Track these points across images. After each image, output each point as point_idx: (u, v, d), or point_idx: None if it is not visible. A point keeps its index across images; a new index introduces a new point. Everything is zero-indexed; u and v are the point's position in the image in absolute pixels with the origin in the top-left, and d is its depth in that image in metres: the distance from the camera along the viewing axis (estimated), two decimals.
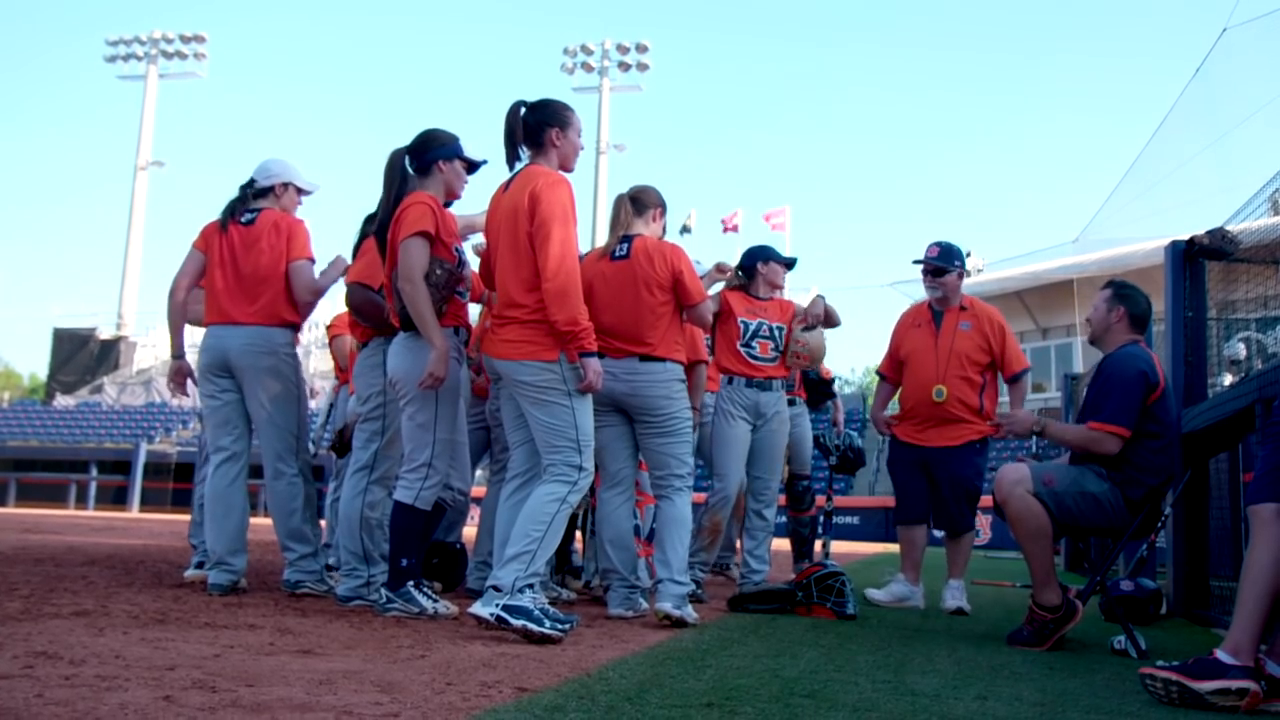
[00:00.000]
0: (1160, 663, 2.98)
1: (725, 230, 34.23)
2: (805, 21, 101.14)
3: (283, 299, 4.79)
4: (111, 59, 44.68)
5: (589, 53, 43.30)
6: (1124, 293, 4.44)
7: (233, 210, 4.91)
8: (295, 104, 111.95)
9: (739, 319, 5.56)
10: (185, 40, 44.40)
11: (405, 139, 4.35)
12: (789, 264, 5.92)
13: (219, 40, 78.66)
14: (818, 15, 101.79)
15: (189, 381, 5.01)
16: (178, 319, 4.97)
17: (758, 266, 5.79)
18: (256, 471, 4.95)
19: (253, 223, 4.85)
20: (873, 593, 5.90)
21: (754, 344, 5.62)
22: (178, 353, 5.03)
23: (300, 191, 5.08)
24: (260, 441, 4.84)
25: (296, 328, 4.92)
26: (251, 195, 4.96)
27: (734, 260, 5.96)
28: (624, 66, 43.15)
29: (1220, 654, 2.88)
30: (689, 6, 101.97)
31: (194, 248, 4.92)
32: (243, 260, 4.78)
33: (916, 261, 5.86)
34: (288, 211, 4.98)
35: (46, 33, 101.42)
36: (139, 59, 44.43)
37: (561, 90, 41.61)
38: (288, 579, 4.80)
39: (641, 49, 42.98)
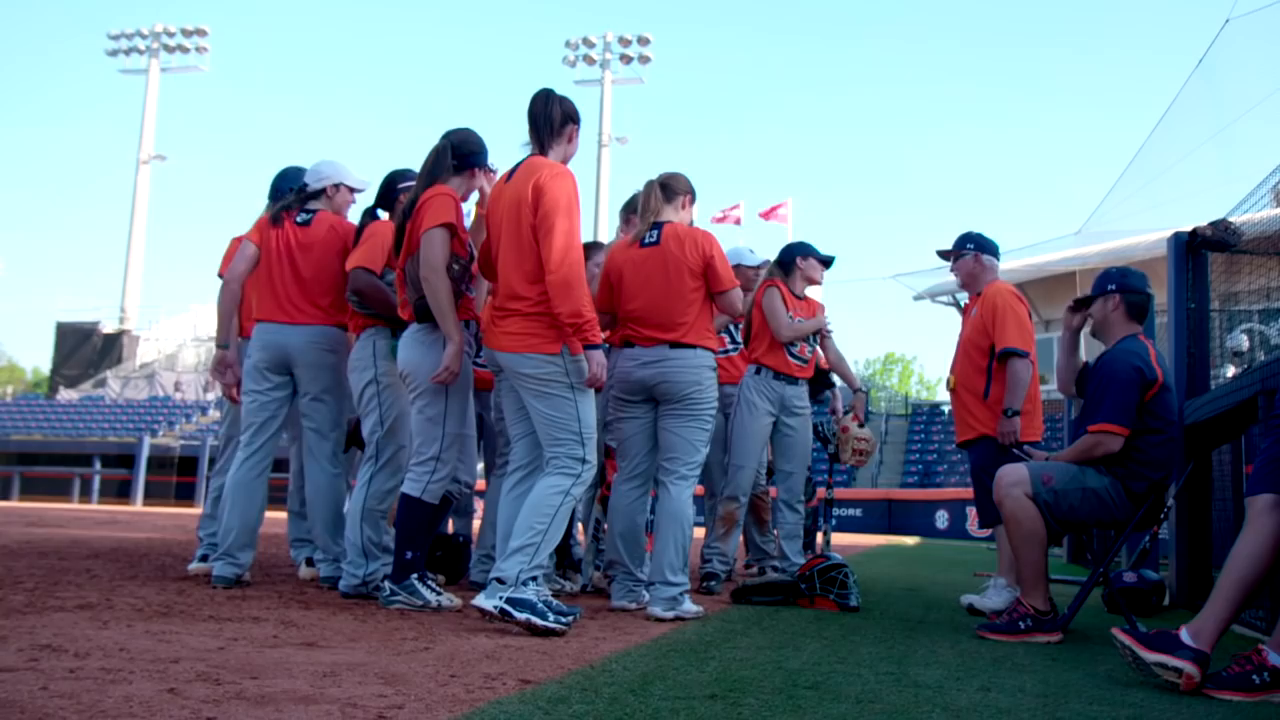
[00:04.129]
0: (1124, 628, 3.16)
1: (721, 220, 34.15)
2: (807, 13, 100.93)
3: (341, 300, 4.82)
4: (113, 53, 44.65)
5: (591, 45, 43.27)
6: (1122, 282, 4.41)
7: (286, 207, 4.93)
8: (297, 97, 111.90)
9: (789, 313, 5.64)
10: (187, 34, 44.36)
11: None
12: (827, 261, 5.96)
13: (221, 34, 78.82)
14: (819, 7, 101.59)
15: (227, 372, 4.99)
16: (232, 309, 4.96)
17: (796, 261, 5.84)
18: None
19: (309, 224, 4.88)
20: (971, 598, 5.26)
21: (795, 344, 5.68)
22: (225, 342, 5.00)
23: (352, 190, 5.12)
24: (308, 436, 4.88)
25: (346, 328, 4.96)
26: (306, 197, 4.99)
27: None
28: (626, 59, 43.11)
29: (1183, 632, 3.00)
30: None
31: (249, 240, 4.93)
32: (301, 262, 4.80)
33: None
34: (340, 212, 5.02)
35: (48, 27, 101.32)
36: (141, 53, 44.40)
37: (563, 83, 41.55)
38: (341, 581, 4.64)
39: (643, 42, 42.94)
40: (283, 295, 4.81)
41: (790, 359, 5.70)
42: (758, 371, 5.68)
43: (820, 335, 5.87)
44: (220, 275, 5.33)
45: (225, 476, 5.15)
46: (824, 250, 6.00)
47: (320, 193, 4.99)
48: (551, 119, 3.98)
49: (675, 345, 4.37)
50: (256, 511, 4.81)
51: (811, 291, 6.12)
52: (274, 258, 4.84)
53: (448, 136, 4.34)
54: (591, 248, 5.16)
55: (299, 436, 5.14)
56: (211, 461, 5.42)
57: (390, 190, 4.84)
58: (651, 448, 4.51)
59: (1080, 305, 4.48)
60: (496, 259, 3.98)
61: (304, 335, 4.78)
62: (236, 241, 5.34)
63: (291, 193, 5.00)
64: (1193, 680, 2.93)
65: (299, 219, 4.90)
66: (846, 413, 5.96)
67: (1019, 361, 4.99)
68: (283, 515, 5.14)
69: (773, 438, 5.87)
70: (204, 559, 5.16)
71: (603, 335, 4.19)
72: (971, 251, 5.32)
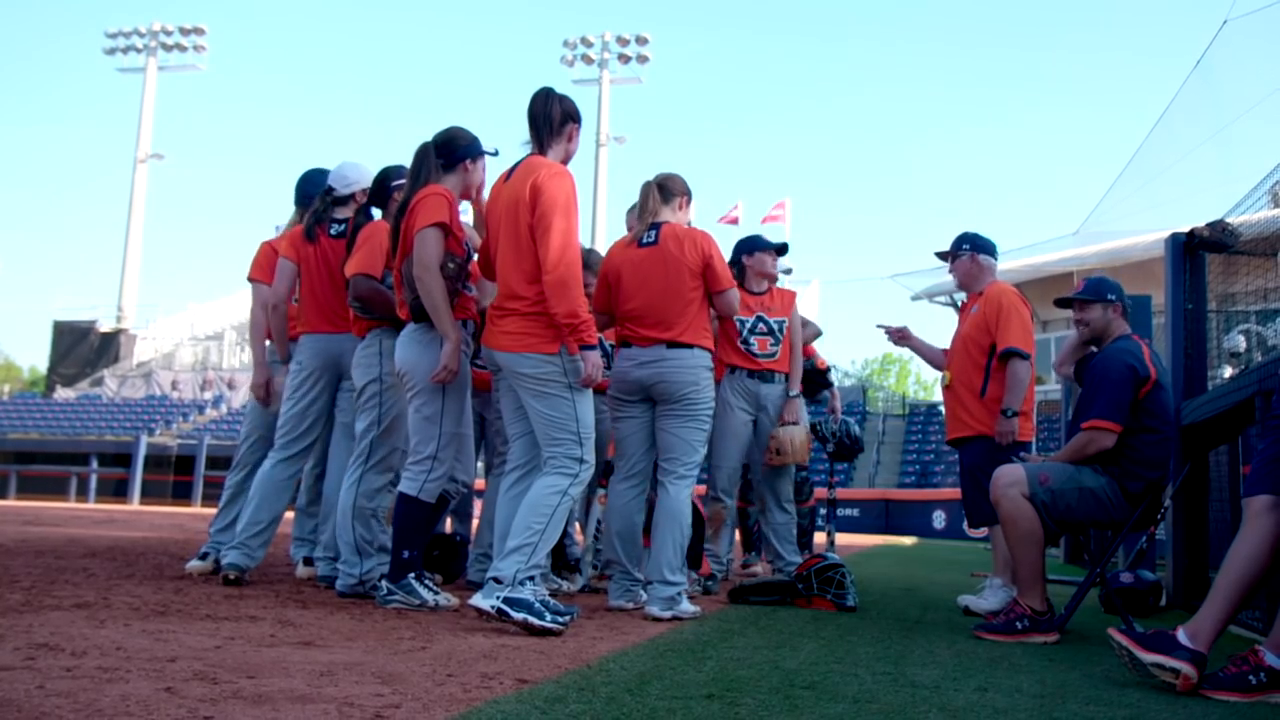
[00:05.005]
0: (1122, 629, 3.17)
1: (724, 221, 34.16)
2: (804, 13, 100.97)
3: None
4: (111, 51, 44.54)
5: (589, 45, 43.23)
6: (1119, 294, 4.43)
7: (318, 219, 4.95)
8: (295, 96, 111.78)
9: (736, 316, 5.59)
10: (185, 32, 44.26)
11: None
12: (779, 250, 5.93)
13: (218, 32, 78.69)
14: (817, 7, 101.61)
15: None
16: (284, 328, 5.04)
17: (743, 260, 5.83)
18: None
19: (343, 235, 4.90)
20: (967, 599, 5.21)
21: (751, 340, 5.68)
22: (288, 358, 5.08)
23: None
24: (341, 427, 4.94)
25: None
26: (332, 203, 4.99)
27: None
28: (624, 59, 43.07)
29: (1180, 632, 3.02)
30: None
31: (285, 258, 4.98)
32: (339, 274, 4.82)
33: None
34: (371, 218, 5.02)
35: (46, 25, 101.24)
36: (138, 51, 44.30)
37: (561, 83, 41.45)
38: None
39: (641, 41, 42.90)
40: (327, 307, 4.89)
41: (748, 354, 5.69)
42: (732, 371, 5.69)
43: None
44: (251, 279, 5.37)
45: (240, 474, 5.24)
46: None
47: (348, 199, 5.00)
48: (551, 118, 3.98)
49: (672, 345, 4.36)
50: (279, 511, 4.88)
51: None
52: (314, 272, 4.91)
53: (424, 145, 4.30)
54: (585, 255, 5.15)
55: (324, 434, 5.13)
56: (210, 461, 5.44)
57: (383, 188, 4.83)
58: (649, 447, 4.51)
59: (1062, 305, 4.53)
60: (495, 258, 3.98)
61: (356, 342, 4.79)
62: (266, 245, 5.37)
63: (318, 200, 5.01)
64: (1190, 681, 2.94)
65: (332, 231, 4.95)
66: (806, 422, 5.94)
67: (1020, 363, 5.00)
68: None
69: (756, 438, 5.85)
70: (204, 557, 5.15)
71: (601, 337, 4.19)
72: (968, 252, 5.38)
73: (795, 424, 5.69)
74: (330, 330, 4.89)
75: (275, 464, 4.89)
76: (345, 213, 4.99)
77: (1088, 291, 4.43)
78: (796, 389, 5.84)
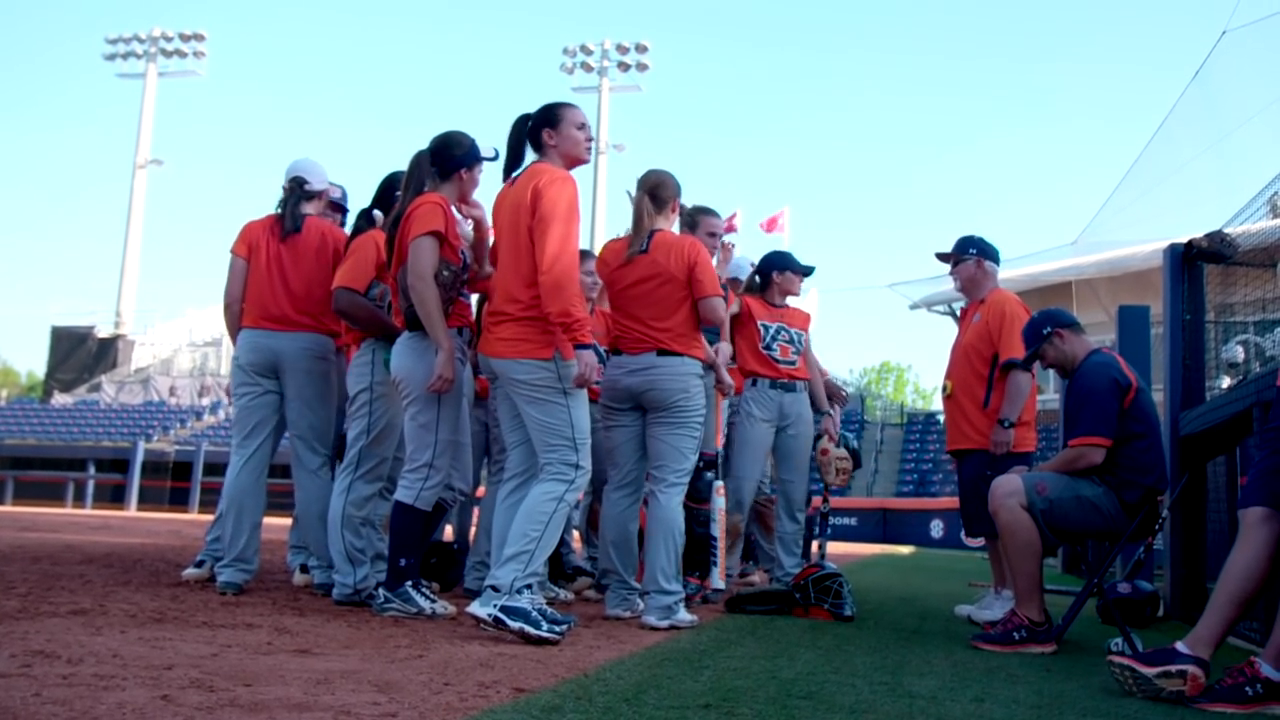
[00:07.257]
0: (1117, 642, 3.14)
1: (725, 230, 34.18)
2: (804, 23, 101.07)
3: (330, 308, 4.81)
4: (111, 57, 44.59)
5: (589, 53, 43.29)
6: (1056, 322, 4.43)
7: (286, 209, 4.92)
8: (294, 102, 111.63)
9: (759, 322, 5.74)
10: (184, 39, 44.31)
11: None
12: (806, 272, 6.00)
13: (218, 38, 78.51)
14: (817, 17, 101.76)
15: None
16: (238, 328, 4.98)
17: (773, 276, 5.90)
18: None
19: (298, 231, 4.89)
20: (968, 608, 5.32)
21: (774, 346, 5.75)
22: None
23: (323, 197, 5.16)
24: (297, 445, 4.90)
25: (338, 335, 4.96)
26: (303, 197, 4.98)
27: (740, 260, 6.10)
28: (623, 67, 43.13)
29: (1179, 645, 3.04)
30: (689, 7, 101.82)
31: (237, 255, 4.94)
32: (291, 271, 4.82)
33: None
34: (326, 217, 5.06)
35: (46, 31, 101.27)
36: (138, 57, 44.35)
37: (561, 90, 41.60)
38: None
39: (641, 49, 42.97)
40: (271, 302, 4.83)
41: (771, 360, 5.73)
42: (754, 383, 5.70)
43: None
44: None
45: None
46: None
47: (316, 195, 5.00)
48: (519, 145, 4.04)
49: (662, 353, 4.37)
50: (259, 517, 4.84)
51: (802, 303, 6.16)
52: (266, 266, 4.86)
53: (420, 153, 4.31)
54: (581, 256, 5.15)
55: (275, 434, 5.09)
56: (207, 467, 5.44)
57: (389, 193, 4.83)
58: (641, 455, 4.50)
59: (1031, 361, 4.57)
60: (497, 262, 4.00)
61: (297, 341, 4.80)
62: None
63: (292, 193, 4.98)
64: (1198, 679, 2.95)
65: (288, 226, 4.91)
66: (819, 437, 5.98)
67: (1021, 374, 5.02)
68: (279, 521, 5.13)
69: (775, 447, 5.88)
70: (200, 564, 5.13)
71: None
72: (974, 257, 5.38)
73: (838, 443, 5.83)
74: (269, 328, 4.82)
75: (239, 469, 4.82)
76: (308, 209, 4.98)
77: (1028, 343, 4.47)
78: (826, 406, 5.93)
